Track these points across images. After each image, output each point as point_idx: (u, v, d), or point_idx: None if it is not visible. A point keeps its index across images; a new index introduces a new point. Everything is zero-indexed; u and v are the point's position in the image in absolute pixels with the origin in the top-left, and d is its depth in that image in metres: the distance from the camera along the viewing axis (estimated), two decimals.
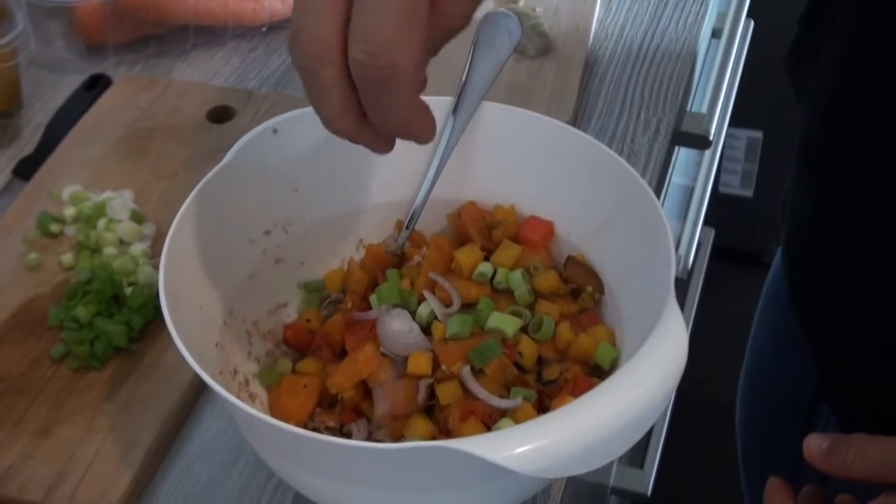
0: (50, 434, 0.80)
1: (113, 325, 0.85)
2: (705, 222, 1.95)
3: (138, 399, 0.82)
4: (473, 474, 0.65)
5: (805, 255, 0.90)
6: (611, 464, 1.56)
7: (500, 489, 0.69)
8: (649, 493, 1.55)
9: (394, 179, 0.83)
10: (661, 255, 0.70)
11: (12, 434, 0.80)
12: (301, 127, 0.80)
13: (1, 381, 0.84)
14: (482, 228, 0.81)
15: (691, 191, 1.54)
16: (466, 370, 0.73)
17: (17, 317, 0.88)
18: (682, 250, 1.34)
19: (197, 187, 0.76)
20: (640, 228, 0.74)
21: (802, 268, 0.91)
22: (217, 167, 0.77)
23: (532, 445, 0.59)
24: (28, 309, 0.89)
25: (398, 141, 0.81)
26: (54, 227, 0.94)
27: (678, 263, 1.33)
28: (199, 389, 0.83)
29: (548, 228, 0.81)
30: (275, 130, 0.80)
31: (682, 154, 1.62)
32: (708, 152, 1.50)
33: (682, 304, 1.79)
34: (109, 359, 0.84)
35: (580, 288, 0.78)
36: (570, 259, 0.79)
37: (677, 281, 1.33)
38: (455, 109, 0.80)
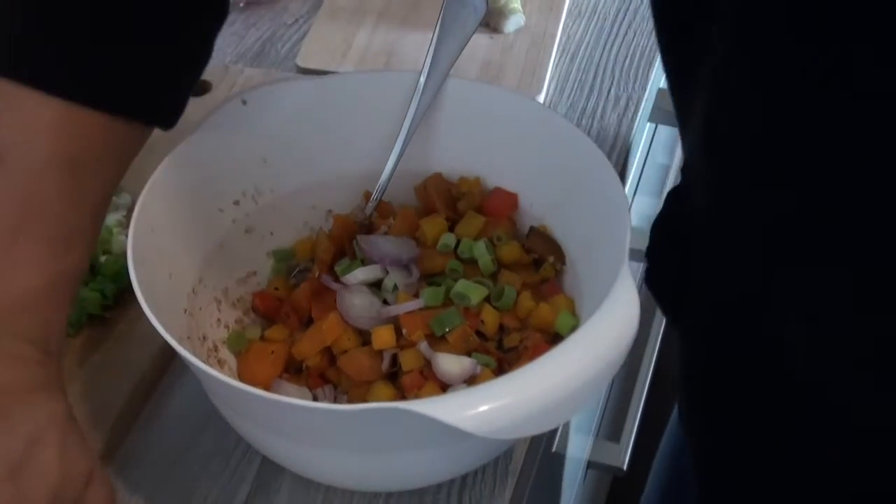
0: None
1: (87, 292, 0.86)
2: None
3: (110, 365, 0.84)
4: (432, 436, 0.67)
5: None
6: (587, 437, 1.58)
7: (460, 451, 0.71)
8: (625, 466, 1.57)
9: (362, 151, 0.84)
10: (619, 227, 0.72)
11: None
12: (270, 99, 0.82)
13: None
14: (447, 199, 0.83)
15: (668, 169, 1.55)
16: (424, 344, 0.75)
17: None
18: (650, 225, 1.35)
19: (167, 157, 0.78)
20: (600, 201, 0.75)
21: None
22: (188, 138, 0.79)
23: (487, 407, 0.61)
24: None
25: (366, 113, 0.83)
26: None
27: (647, 238, 1.35)
28: (170, 356, 0.85)
29: (512, 200, 0.82)
30: (244, 101, 0.81)
31: (667, 133, 1.63)
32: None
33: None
34: (83, 325, 0.86)
35: (542, 258, 0.80)
36: (532, 230, 0.81)
37: (641, 254, 1.34)
38: (421, 84, 0.81)
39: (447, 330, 0.75)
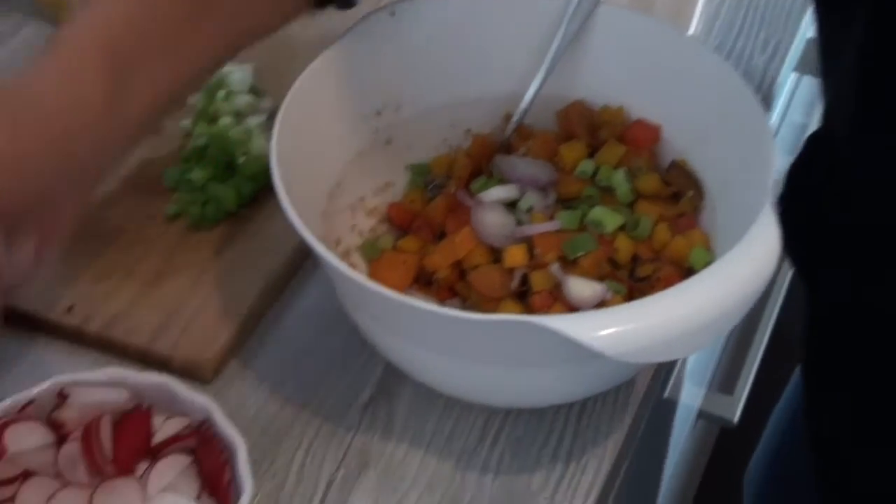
0: (158, 285, 0.84)
1: (225, 189, 0.88)
2: None
3: (244, 260, 0.86)
4: (558, 355, 0.67)
5: None
6: (700, 388, 1.57)
7: (584, 373, 0.71)
8: (736, 419, 1.56)
9: (506, 72, 0.85)
10: (763, 163, 0.71)
11: (124, 282, 0.85)
12: (419, 12, 0.83)
13: (117, 233, 0.88)
14: (588, 127, 0.83)
15: (805, 129, 1.53)
16: (556, 266, 0.75)
17: (135, 175, 0.92)
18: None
19: (312, 63, 0.79)
20: (745, 137, 0.75)
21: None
22: (334, 45, 0.80)
23: (619, 328, 0.61)
24: (146, 168, 0.93)
25: (513, 33, 0.83)
26: None
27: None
28: (302, 257, 0.86)
29: (654, 132, 0.82)
30: (392, 13, 0.82)
31: (807, 91, 1.60)
32: None
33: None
34: (219, 221, 0.88)
35: (681, 192, 0.80)
36: (673, 163, 0.81)
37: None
38: (572, 8, 0.81)
39: (579, 254, 0.75)
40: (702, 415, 1.51)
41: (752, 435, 1.90)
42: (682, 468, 1.69)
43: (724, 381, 1.62)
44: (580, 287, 0.73)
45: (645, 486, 1.52)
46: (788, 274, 1.65)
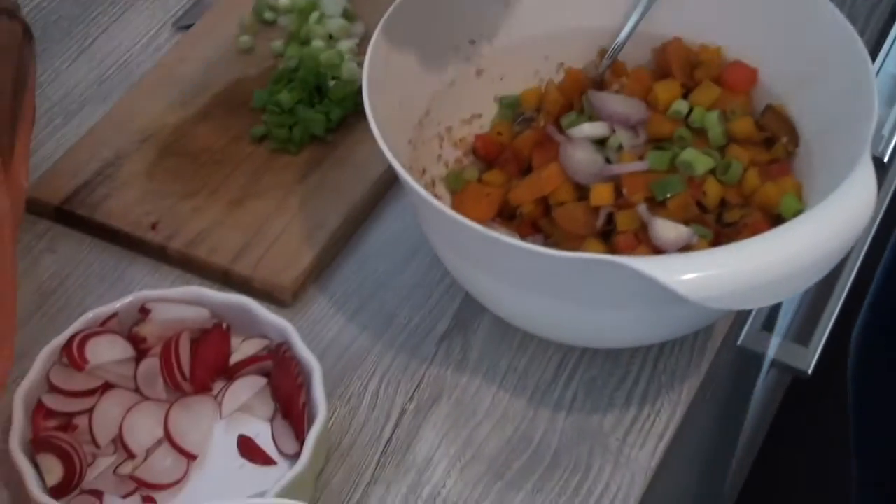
0: (242, 205, 0.85)
1: (313, 113, 0.88)
2: None
3: (328, 186, 0.85)
4: (640, 296, 0.66)
5: None
6: (775, 336, 1.55)
7: (664, 317, 0.70)
8: (810, 371, 1.54)
9: (603, 5, 0.83)
10: (865, 113, 0.69)
11: (209, 201, 0.85)
12: None
13: (204, 151, 0.88)
14: (685, 66, 0.81)
15: None
16: (643, 207, 0.74)
17: (223, 94, 0.92)
18: (884, 130, 1.30)
19: None
20: (846, 85, 0.73)
21: None
22: None
23: (704, 273, 0.60)
24: (235, 89, 0.93)
25: None
26: (269, 15, 0.97)
27: (880, 144, 1.30)
28: (386, 185, 0.86)
29: (751, 75, 0.80)
30: None
31: None
32: None
33: (880, 186, 1.75)
34: (305, 145, 0.88)
35: (775, 137, 0.78)
36: (768, 107, 0.79)
37: (877, 162, 1.30)
38: None
39: (668, 196, 0.73)
40: (775, 364, 1.49)
41: (824, 387, 1.88)
42: (752, 417, 1.67)
43: (801, 331, 1.59)
44: (666, 229, 0.71)
45: (722, 434, 1.51)
46: (873, 228, 1.62)
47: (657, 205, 0.74)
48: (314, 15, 0.94)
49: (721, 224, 0.75)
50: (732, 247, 0.61)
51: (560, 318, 0.72)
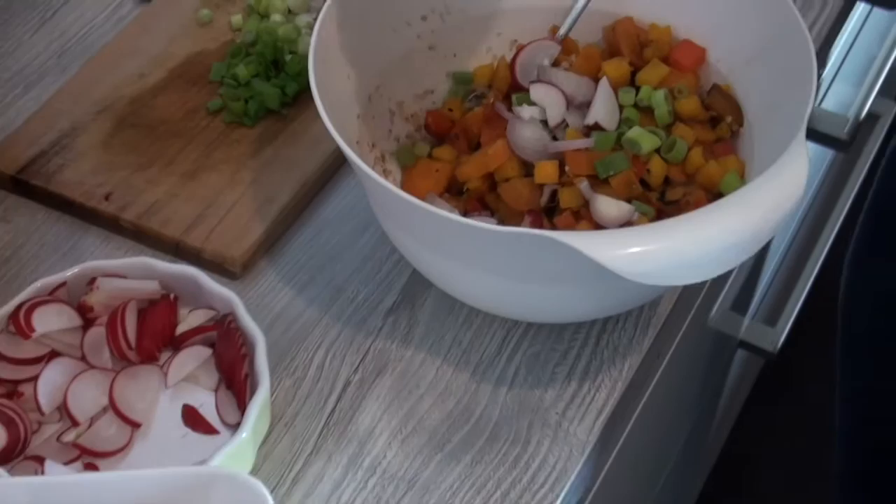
0: (196, 178, 0.85)
1: (268, 87, 0.88)
2: None
3: (281, 160, 0.86)
4: (577, 272, 0.67)
5: None
6: (741, 317, 1.56)
7: (603, 291, 0.71)
8: (777, 351, 1.55)
9: None
10: (803, 94, 0.70)
11: (163, 173, 0.86)
12: None
13: (160, 123, 0.89)
14: (634, 45, 0.82)
15: (874, 61, 1.49)
16: (585, 184, 0.75)
17: (182, 67, 0.93)
18: (847, 112, 1.31)
19: None
20: (789, 65, 0.73)
21: None
22: None
23: (635, 249, 0.61)
24: (194, 61, 0.93)
25: None
26: None
27: (845, 126, 1.31)
28: (339, 160, 0.86)
29: (699, 54, 0.81)
30: None
31: (880, 20, 1.56)
32: None
33: (842, 168, 1.76)
34: (261, 118, 0.88)
35: (720, 117, 0.79)
36: (715, 87, 0.79)
37: (838, 142, 1.31)
38: None
39: (611, 173, 0.74)
40: (742, 344, 1.50)
41: (794, 370, 1.89)
42: (723, 398, 1.68)
43: (770, 311, 1.60)
44: (607, 206, 0.72)
45: (693, 412, 1.52)
46: (844, 210, 1.63)
47: (601, 183, 0.75)
48: None
49: (664, 202, 0.75)
50: (663, 223, 0.62)
51: (502, 293, 0.73)
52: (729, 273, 1.40)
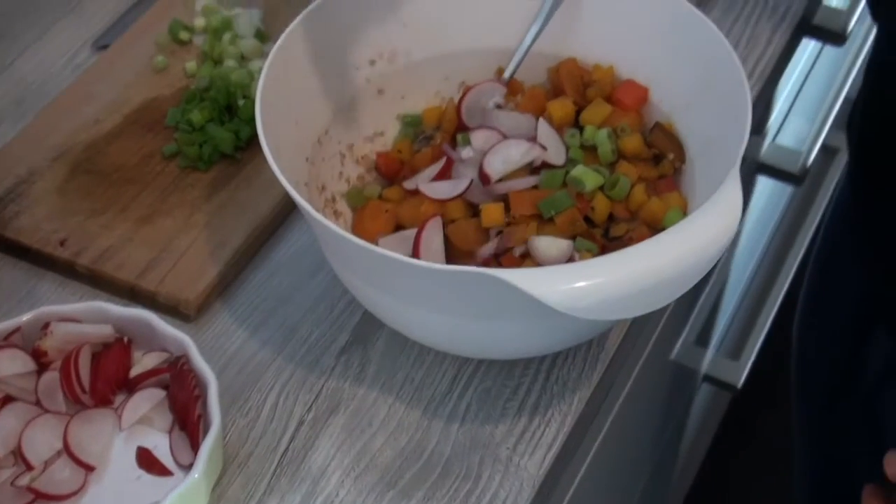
0: (151, 222, 0.86)
1: (222, 132, 0.90)
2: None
3: (235, 203, 0.87)
4: (519, 308, 0.68)
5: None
6: (705, 350, 1.58)
7: (548, 327, 0.72)
8: (740, 385, 1.57)
9: (501, 26, 0.85)
10: (738, 131, 0.71)
11: (118, 218, 0.87)
12: None
13: (115, 169, 0.90)
14: (578, 85, 0.83)
15: (829, 94, 1.51)
16: (532, 240, 0.75)
17: (138, 113, 0.94)
18: (802, 147, 1.33)
19: (307, 9, 0.79)
20: (726, 103, 0.75)
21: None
22: None
23: (571, 284, 0.62)
24: (149, 107, 0.94)
25: None
26: (184, 35, 0.99)
27: (799, 160, 1.33)
28: (291, 203, 0.88)
29: (642, 93, 0.82)
30: None
31: (833, 56, 1.59)
32: (851, 53, 1.47)
33: (802, 203, 1.78)
34: (215, 163, 0.90)
35: (662, 154, 0.80)
36: (657, 125, 0.81)
37: (791, 176, 1.33)
38: None
39: (554, 213, 0.75)
40: (707, 379, 1.52)
41: (760, 403, 1.90)
42: (689, 432, 1.69)
43: (733, 346, 1.62)
44: (546, 246, 0.73)
45: (657, 447, 1.53)
46: (805, 244, 1.65)
47: (546, 222, 0.76)
48: (227, 35, 0.96)
49: (608, 238, 0.77)
50: (600, 259, 0.63)
51: (451, 331, 0.74)
52: (691, 308, 1.42)
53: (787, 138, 1.48)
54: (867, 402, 0.99)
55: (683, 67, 0.80)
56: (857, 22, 1.21)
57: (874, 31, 1.44)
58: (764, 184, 1.53)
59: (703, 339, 1.57)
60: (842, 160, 1.81)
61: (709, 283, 1.43)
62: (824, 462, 1.13)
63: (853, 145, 0.98)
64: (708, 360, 1.58)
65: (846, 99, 1.49)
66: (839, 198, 1.07)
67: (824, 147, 1.75)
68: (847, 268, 1.00)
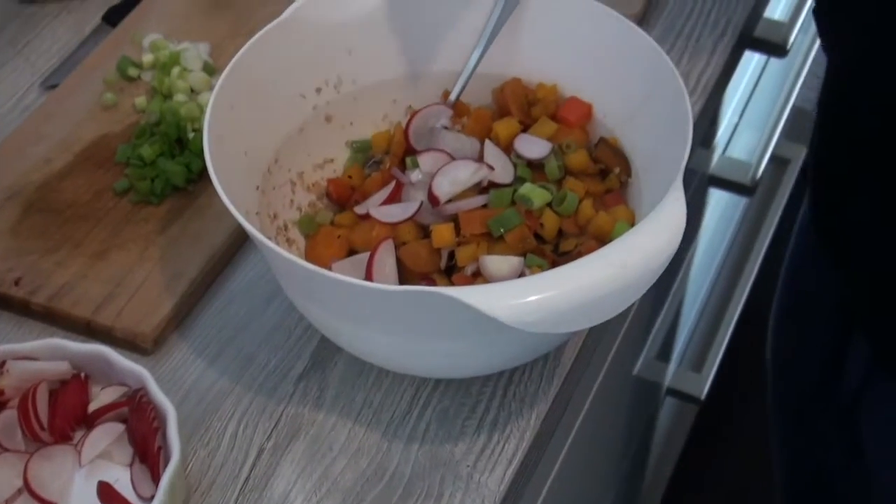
0: (105, 258, 0.86)
1: (173, 165, 0.90)
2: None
3: (188, 235, 0.87)
4: (471, 326, 0.69)
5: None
6: (667, 364, 1.59)
7: (501, 343, 0.73)
8: (704, 396, 1.58)
9: (446, 50, 0.86)
10: (680, 142, 0.72)
11: (72, 255, 0.87)
12: None
13: (68, 206, 0.90)
14: (523, 104, 0.84)
15: (776, 104, 1.54)
16: (482, 259, 0.76)
17: (89, 150, 0.94)
18: (753, 159, 1.35)
19: (253, 39, 0.80)
20: (668, 116, 0.76)
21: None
22: (274, 22, 0.82)
23: (519, 299, 0.63)
24: (100, 144, 0.95)
25: (451, 12, 0.84)
26: (132, 72, 0.99)
27: (749, 171, 1.35)
28: (245, 232, 0.88)
29: (586, 110, 0.83)
30: None
31: (779, 68, 1.61)
32: (795, 64, 1.50)
33: (757, 214, 1.80)
34: (167, 196, 0.90)
35: (609, 169, 0.81)
36: (602, 140, 0.82)
37: (742, 188, 1.34)
38: None
39: (503, 231, 0.76)
40: (671, 392, 1.53)
41: (724, 414, 1.91)
42: (653, 446, 1.71)
43: (695, 358, 1.64)
44: (496, 264, 0.74)
45: (624, 461, 1.54)
46: (761, 254, 1.67)
47: (497, 240, 0.77)
48: (175, 70, 0.97)
49: (558, 254, 0.78)
50: (547, 274, 0.64)
51: (407, 351, 0.75)
52: (652, 323, 1.43)
53: (739, 150, 1.50)
54: (845, 410, 1.00)
55: (625, 83, 0.82)
56: (798, 34, 1.23)
57: (817, 44, 1.47)
58: (718, 196, 1.55)
59: (664, 352, 1.58)
60: (795, 170, 1.84)
61: (667, 299, 1.44)
62: (802, 471, 1.14)
63: (810, 167, 0.99)
64: (671, 374, 1.59)
65: (795, 108, 1.51)
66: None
67: (777, 158, 1.78)
68: (822, 273, 1.01)
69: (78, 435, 0.76)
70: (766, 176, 1.45)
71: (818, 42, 1.48)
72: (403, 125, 0.86)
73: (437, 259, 0.78)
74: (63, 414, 0.76)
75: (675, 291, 1.49)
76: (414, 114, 0.85)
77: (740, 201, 1.69)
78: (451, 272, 0.78)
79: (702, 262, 1.65)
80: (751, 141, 1.51)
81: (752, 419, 1.93)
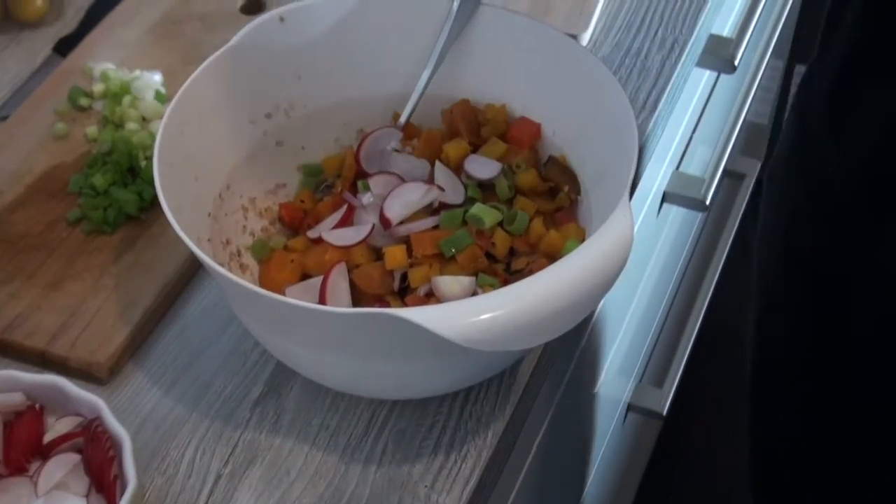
0: (59, 288, 0.86)
1: (126, 194, 0.90)
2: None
3: (142, 264, 0.87)
4: (424, 346, 0.70)
5: None
6: (628, 380, 1.60)
7: (454, 363, 0.73)
8: (665, 412, 1.59)
9: (395, 72, 0.87)
10: (626, 159, 0.73)
11: (25, 286, 0.87)
12: (307, 17, 0.85)
13: (20, 238, 0.90)
14: (472, 125, 0.85)
15: (728, 120, 1.55)
16: (434, 280, 0.77)
17: (41, 181, 0.94)
18: (706, 174, 1.36)
19: (202, 65, 0.81)
20: (615, 133, 0.77)
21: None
22: (223, 49, 0.82)
23: (468, 319, 0.63)
24: (52, 175, 0.94)
25: (401, 34, 0.85)
26: (83, 101, 0.99)
27: (702, 186, 1.36)
28: (198, 260, 0.88)
29: (535, 129, 0.84)
30: (281, 18, 0.84)
31: (729, 84, 1.63)
32: (745, 80, 1.51)
33: (714, 229, 1.81)
34: (120, 225, 0.90)
35: (558, 187, 0.82)
36: (551, 159, 0.83)
37: (697, 203, 1.35)
38: (454, 9, 0.83)
39: (455, 251, 0.77)
40: (631, 408, 1.53)
41: (686, 430, 1.92)
42: (616, 463, 1.71)
43: (655, 374, 1.64)
44: (448, 284, 0.75)
45: (592, 479, 1.54)
46: (718, 270, 1.68)
47: (448, 261, 0.78)
48: (127, 98, 0.97)
49: (510, 272, 0.78)
50: (497, 293, 0.65)
51: (361, 373, 0.75)
52: (612, 340, 1.44)
53: (694, 167, 1.51)
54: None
55: (573, 101, 0.83)
56: (745, 49, 1.24)
57: (766, 60, 1.49)
58: (675, 212, 1.56)
59: (625, 369, 1.59)
60: (749, 184, 1.85)
61: (626, 317, 1.45)
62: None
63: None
64: (632, 390, 1.60)
65: (747, 123, 1.52)
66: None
67: (731, 173, 1.79)
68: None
69: (33, 466, 0.76)
70: (721, 191, 1.46)
71: (767, 57, 1.50)
72: (354, 148, 0.86)
73: (390, 281, 0.78)
74: (18, 446, 0.75)
75: (633, 309, 1.50)
76: (365, 137, 0.86)
77: (696, 217, 1.70)
78: (404, 294, 0.79)
79: (661, 277, 1.66)
80: (705, 156, 1.52)
81: (715, 433, 1.94)
